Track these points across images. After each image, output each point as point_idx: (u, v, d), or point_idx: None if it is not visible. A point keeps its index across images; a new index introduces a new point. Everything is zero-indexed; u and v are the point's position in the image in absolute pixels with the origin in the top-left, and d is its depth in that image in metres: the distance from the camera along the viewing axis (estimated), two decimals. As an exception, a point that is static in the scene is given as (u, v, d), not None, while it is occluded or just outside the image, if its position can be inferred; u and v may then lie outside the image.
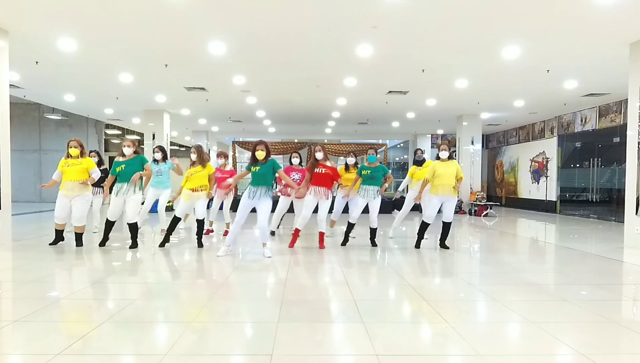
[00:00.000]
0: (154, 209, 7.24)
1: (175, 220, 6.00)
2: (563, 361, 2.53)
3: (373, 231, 6.30)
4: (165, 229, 7.16)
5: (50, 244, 5.91)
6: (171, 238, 6.19)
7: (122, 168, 5.76)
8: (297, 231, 6.11)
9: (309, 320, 3.07)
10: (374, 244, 6.27)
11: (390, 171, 6.58)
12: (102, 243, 5.93)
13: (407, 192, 7.65)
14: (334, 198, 6.94)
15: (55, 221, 5.90)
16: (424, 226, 6.11)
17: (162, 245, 5.95)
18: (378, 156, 6.66)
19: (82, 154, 5.91)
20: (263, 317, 3.14)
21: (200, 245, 6.00)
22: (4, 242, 6.11)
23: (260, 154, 5.18)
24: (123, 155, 5.86)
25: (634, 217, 6.42)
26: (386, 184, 6.37)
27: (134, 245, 5.88)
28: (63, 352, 2.43)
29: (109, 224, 5.95)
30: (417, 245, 6.14)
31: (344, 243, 6.30)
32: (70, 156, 5.84)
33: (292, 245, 6.09)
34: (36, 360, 2.35)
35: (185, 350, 2.50)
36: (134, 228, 5.89)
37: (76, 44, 6.56)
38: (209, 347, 2.59)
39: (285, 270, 4.66)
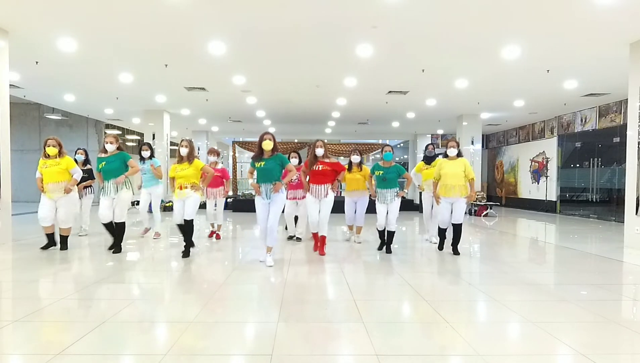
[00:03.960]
0: (151, 209, 7.10)
1: (181, 227, 5.35)
2: (563, 361, 2.53)
3: (390, 235, 5.79)
4: (159, 231, 7.03)
5: (41, 248, 5.60)
6: (172, 238, 6.15)
7: (103, 165, 5.44)
8: (315, 235, 5.72)
9: (309, 320, 3.07)
10: (388, 250, 5.77)
11: (406, 171, 5.99)
12: (117, 249, 5.49)
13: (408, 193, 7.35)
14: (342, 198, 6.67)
15: (40, 223, 5.53)
16: (441, 232, 5.86)
17: (185, 255, 5.30)
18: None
19: (60, 153, 5.51)
20: (263, 317, 3.14)
21: (187, 253, 5.35)
22: (4, 242, 6.11)
23: (268, 144, 4.72)
24: (105, 151, 5.52)
25: (634, 217, 6.42)
26: (406, 190, 5.90)
27: (117, 249, 5.48)
28: (63, 352, 2.43)
29: (107, 227, 5.56)
30: (440, 247, 5.97)
31: (388, 251, 5.78)
32: (48, 155, 5.46)
33: (318, 250, 5.61)
34: (36, 360, 2.35)
35: (185, 350, 2.50)
36: (120, 229, 5.51)
37: (76, 44, 6.56)
38: (209, 347, 2.59)
39: (285, 270, 4.65)
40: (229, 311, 3.31)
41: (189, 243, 5.40)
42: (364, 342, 2.63)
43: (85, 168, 6.86)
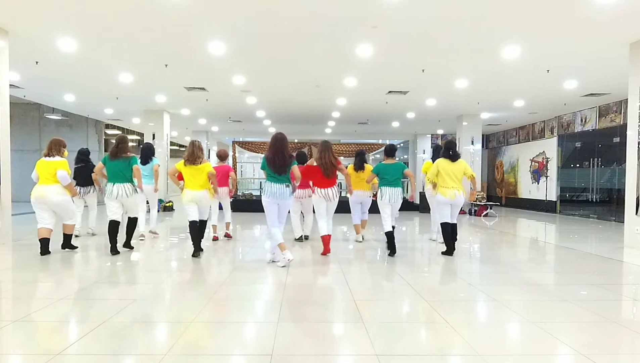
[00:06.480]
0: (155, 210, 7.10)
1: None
2: (563, 361, 2.53)
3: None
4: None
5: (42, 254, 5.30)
6: (171, 238, 6.10)
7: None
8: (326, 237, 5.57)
9: (309, 320, 3.08)
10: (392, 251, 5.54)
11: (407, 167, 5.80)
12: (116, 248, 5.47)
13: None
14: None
15: (42, 226, 5.33)
16: (445, 233, 5.52)
17: (195, 255, 5.34)
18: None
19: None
20: (263, 317, 3.14)
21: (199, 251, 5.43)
22: (3, 242, 6.11)
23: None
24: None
25: (634, 217, 6.41)
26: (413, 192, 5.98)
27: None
28: (63, 352, 2.43)
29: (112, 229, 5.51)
30: (449, 253, 5.57)
31: (391, 254, 5.54)
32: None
33: (325, 252, 5.54)
34: (36, 360, 2.35)
35: (185, 350, 2.50)
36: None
37: (76, 44, 6.56)
38: (209, 347, 2.59)
39: (285, 270, 4.65)
40: (229, 311, 3.31)
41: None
42: (364, 342, 2.63)
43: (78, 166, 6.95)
